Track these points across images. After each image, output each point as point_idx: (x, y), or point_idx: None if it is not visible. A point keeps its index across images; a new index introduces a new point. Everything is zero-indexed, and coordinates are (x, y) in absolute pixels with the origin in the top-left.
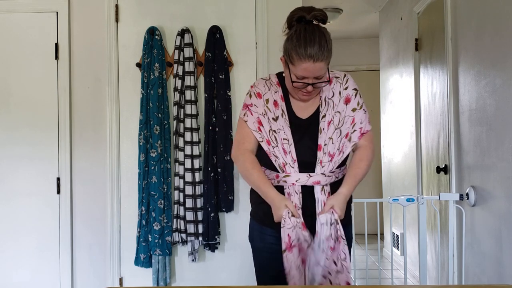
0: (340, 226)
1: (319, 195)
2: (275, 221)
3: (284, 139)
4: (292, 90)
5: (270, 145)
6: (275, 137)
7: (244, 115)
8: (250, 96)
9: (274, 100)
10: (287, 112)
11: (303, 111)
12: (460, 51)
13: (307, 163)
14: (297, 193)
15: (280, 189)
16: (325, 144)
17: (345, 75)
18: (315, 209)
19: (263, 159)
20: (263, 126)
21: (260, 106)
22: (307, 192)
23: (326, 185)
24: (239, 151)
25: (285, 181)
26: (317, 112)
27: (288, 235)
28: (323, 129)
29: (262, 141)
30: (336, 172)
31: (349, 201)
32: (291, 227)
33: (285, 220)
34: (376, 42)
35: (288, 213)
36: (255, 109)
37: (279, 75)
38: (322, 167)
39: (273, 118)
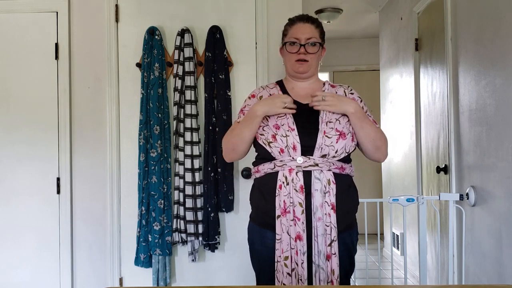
0: (331, 197)
1: (318, 175)
2: (276, 108)
3: (282, 123)
4: (289, 65)
5: (258, 128)
6: (267, 118)
7: (238, 117)
8: (245, 100)
9: (269, 94)
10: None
11: (303, 99)
12: (460, 51)
13: (306, 147)
14: (297, 175)
15: (276, 175)
16: (329, 126)
17: (349, 86)
18: (311, 188)
19: (260, 152)
20: None
21: (253, 103)
22: (306, 172)
23: (328, 170)
24: (223, 142)
25: (284, 164)
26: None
27: (284, 201)
28: (327, 112)
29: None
30: (339, 164)
31: (356, 204)
32: (286, 194)
33: (280, 190)
34: (376, 42)
35: (283, 183)
36: (248, 107)
37: (278, 81)
38: (322, 149)
39: None
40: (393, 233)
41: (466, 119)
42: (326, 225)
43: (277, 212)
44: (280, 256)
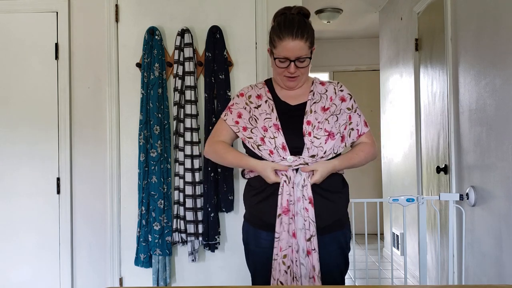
0: (309, 191)
1: (305, 174)
2: (269, 182)
3: (269, 125)
4: (278, 78)
5: (246, 130)
6: (255, 120)
7: (225, 115)
8: (233, 98)
9: (258, 94)
10: (273, 100)
11: (292, 100)
12: (460, 51)
13: (295, 148)
14: (286, 175)
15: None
16: (318, 126)
17: (338, 83)
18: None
19: (250, 154)
20: (242, 117)
21: (241, 102)
22: (297, 170)
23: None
24: (209, 144)
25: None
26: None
27: (287, 200)
28: (314, 111)
29: (239, 131)
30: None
31: (346, 201)
32: (289, 193)
33: (282, 188)
34: (376, 42)
35: (285, 181)
36: (236, 106)
37: (267, 80)
38: (311, 150)
39: (255, 107)
40: (393, 233)
41: (466, 119)
42: (304, 219)
43: (278, 211)
44: (277, 254)
